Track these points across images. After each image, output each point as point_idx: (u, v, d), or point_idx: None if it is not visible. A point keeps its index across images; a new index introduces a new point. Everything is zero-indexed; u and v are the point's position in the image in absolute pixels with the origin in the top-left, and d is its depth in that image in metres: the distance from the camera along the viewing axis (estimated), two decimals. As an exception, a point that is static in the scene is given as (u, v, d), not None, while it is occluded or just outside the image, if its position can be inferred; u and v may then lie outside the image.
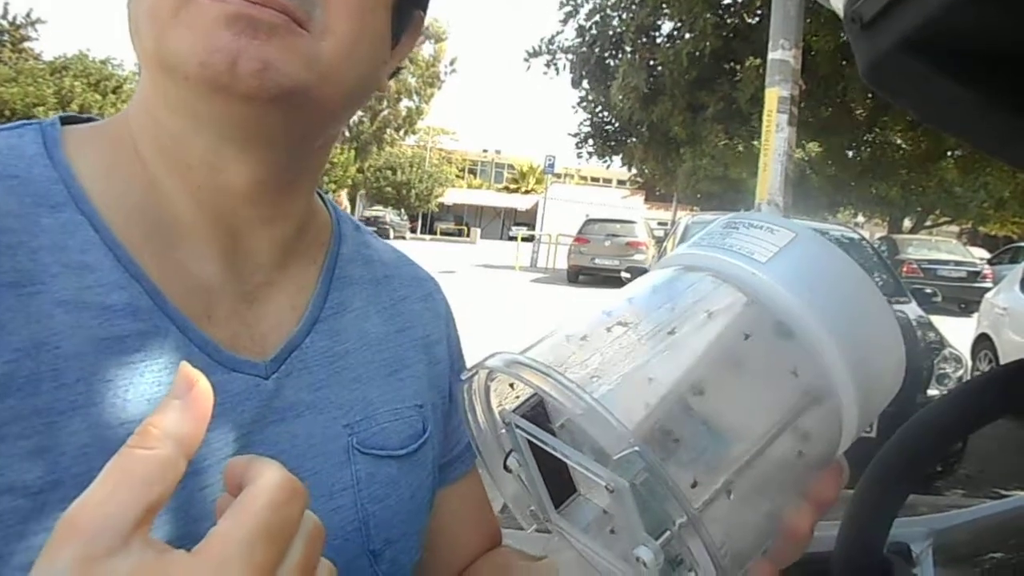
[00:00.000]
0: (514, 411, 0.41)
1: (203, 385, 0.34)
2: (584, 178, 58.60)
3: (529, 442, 0.41)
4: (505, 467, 0.44)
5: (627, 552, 0.36)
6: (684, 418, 0.37)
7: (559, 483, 0.43)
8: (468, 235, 41.97)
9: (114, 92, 27.83)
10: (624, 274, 6.81)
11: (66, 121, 0.57)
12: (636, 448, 0.32)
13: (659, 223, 30.09)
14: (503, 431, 0.43)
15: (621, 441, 0.33)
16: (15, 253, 0.48)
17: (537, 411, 0.41)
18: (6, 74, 26.22)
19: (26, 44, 30.98)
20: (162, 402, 0.34)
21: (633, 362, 0.38)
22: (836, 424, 0.41)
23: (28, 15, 31.29)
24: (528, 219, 42.58)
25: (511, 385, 0.42)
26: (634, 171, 15.98)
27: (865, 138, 12.10)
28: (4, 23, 30.38)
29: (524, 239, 23.64)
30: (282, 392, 0.58)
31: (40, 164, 0.52)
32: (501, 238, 45.20)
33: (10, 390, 0.45)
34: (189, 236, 0.55)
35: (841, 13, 0.56)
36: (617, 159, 14.82)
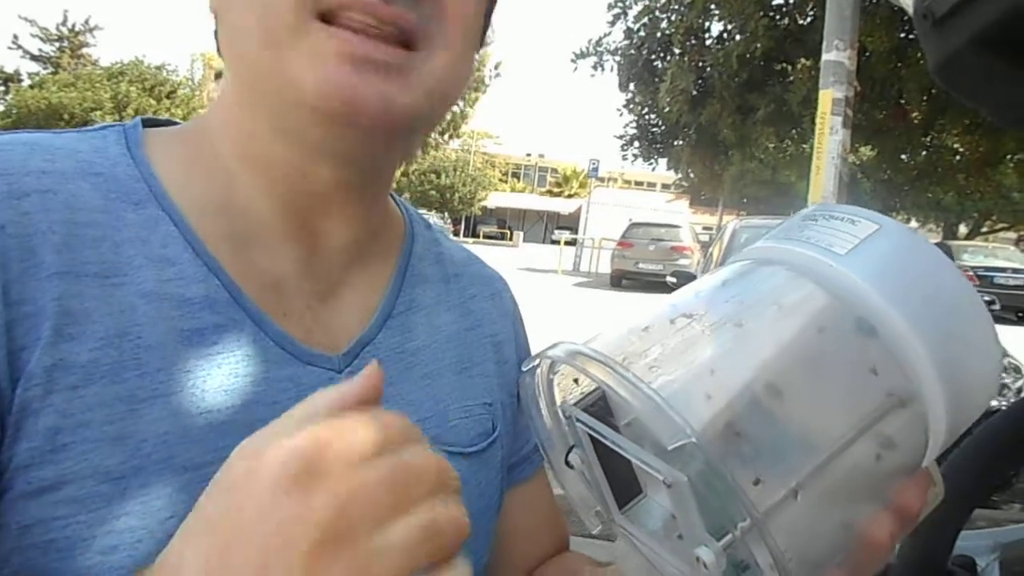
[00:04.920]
0: (575, 404, 0.41)
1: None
2: (628, 182, 58.11)
3: (591, 438, 0.40)
4: (567, 463, 0.44)
5: (693, 557, 0.35)
6: (748, 413, 0.35)
7: (624, 483, 0.42)
8: (511, 239, 42.04)
9: (168, 97, 28.49)
10: (669, 279, 6.70)
11: (147, 124, 0.59)
12: (692, 439, 0.31)
13: (704, 227, 29.75)
14: (566, 427, 0.43)
15: (677, 432, 0.32)
16: (100, 245, 0.50)
17: (599, 406, 0.40)
18: (65, 79, 27.05)
19: (84, 50, 31.97)
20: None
21: (695, 353, 0.37)
22: (921, 430, 0.39)
23: (86, 22, 32.33)
24: (571, 223, 42.41)
25: (575, 380, 0.41)
26: (679, 175, 15.84)
27: (921, 141, 11.75)
28: (64, 30, 31.39)
29: (567, 243, 23.55)
30: None
31: (123, 163, 0.54)
32: (543, 242, 45.13)
33: (95, 377, 0.47)
34: (266, 234, 0.57)
35: (911, 9, 0.54)
36: (663, 162, 14.68)
